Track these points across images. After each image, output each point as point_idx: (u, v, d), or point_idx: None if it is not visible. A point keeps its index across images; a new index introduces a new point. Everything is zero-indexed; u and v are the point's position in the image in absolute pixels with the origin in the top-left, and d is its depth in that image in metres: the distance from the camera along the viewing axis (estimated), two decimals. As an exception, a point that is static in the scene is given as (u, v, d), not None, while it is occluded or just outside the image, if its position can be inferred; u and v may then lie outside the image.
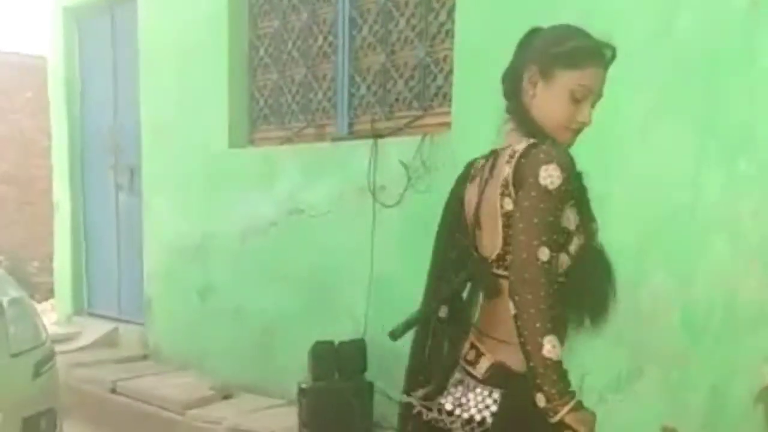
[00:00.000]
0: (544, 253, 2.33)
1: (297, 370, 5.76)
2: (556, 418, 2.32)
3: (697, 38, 4.20)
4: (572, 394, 2.32)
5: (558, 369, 2.30)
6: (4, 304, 4.98)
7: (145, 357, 8.03)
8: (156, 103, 7.84)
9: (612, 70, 2.51)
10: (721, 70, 4.11)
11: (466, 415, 2.55)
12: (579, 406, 2.31)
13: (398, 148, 5.64)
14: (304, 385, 5.63)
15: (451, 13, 5.51)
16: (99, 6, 8.73)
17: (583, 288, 2.50)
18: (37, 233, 11.74)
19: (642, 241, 4.44)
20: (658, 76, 4.28)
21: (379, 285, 5.74)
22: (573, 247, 2.46)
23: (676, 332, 4.31)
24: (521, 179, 2.41)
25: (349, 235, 5.98)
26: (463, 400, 2.58)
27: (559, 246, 2.42)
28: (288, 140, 6.75)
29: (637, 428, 4.40)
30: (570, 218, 2.45)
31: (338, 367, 5.68)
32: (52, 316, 9.51)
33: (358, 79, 6.21)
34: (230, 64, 7.03)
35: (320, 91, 6.53)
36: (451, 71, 5.49)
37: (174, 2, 7.61)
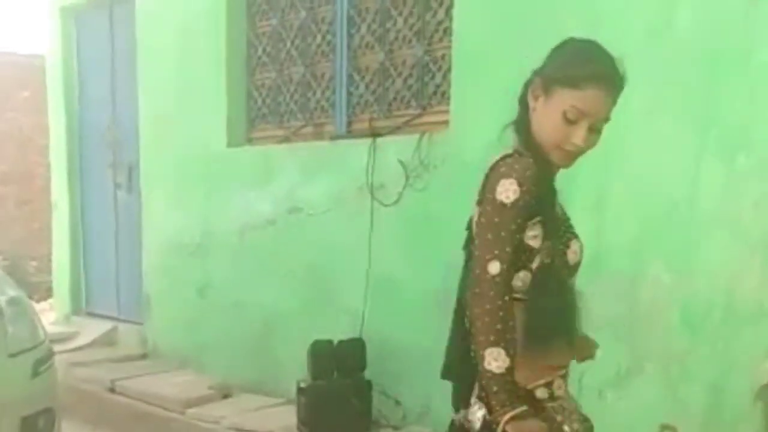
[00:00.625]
0: (495, 267, 2.37)
1: (296, 369, 5.76)
2: (498, 430, 2.35)
3: (697, 35, 4.21)
4: (513, 406, 2.34)
5: (498, 381, 2.34)
6: (2, 303, 4.97)
7: (143, 356, 8.02)
8: (154, 102, 7.84)
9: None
10: (721, 67, 4.12)
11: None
12: (521, 416, 2.33)
13: (396, 147, 5.64)
14: (302, 384, 5.63)
15: (449, 11, 5.50)
16: (97, 4, 8.71)
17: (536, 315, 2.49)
18: (35, 232, 11.75)
19: (642, 237, 4.46)
20: (658, 72, 4.27)
21: (377, 283, 5.73)
22: (535, 265, 2.46)
23: (675, 328, 4.31)
24: (484, 192, 2.45)
25: (348, 233, 5.98)
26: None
27: (521, 263, 2.44)
28: (286, 139, 6.75)
29: (636, 425, 4.41)
30: (535, 235, 2.45)
31: (337, 366, 5.68)
32: (50, 315, 9.50)
33: (356, 77, 6.20)
34: (228, 63, 7.02)
35: (318, 90, 6.53)
36: (449, 70, 5.49)
37: (172, 0, 7.60)
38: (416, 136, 5.54)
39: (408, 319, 5.51)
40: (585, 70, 2.41)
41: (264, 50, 6.95)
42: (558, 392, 2.53)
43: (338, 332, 5.74)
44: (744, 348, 4.08)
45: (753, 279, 4.03)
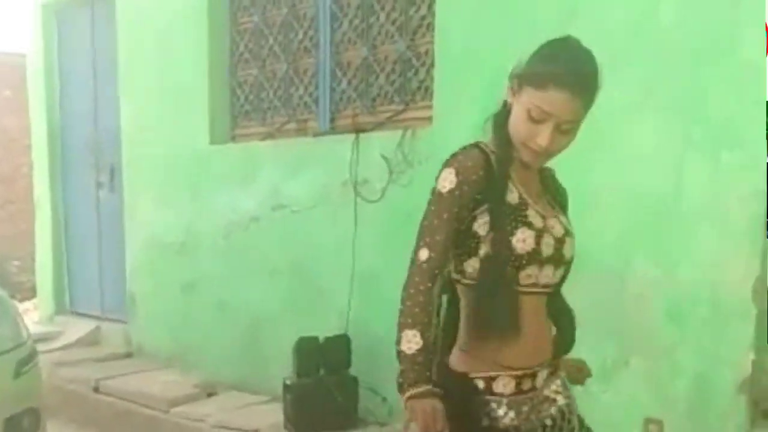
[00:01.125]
0: (423, 254, 2.47)
1: (282, 366, 5.75)
2: (403, 406, 2.45)
3: (681, 31, 4.21)
4: (417, 385, 2.42)
5: (408, 361, 2.44)
6: (-16, 303, 4.96)
7: (128, 355, 7.99)
8: (136, 100, 7.81)
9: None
10: (705, 63, 4.12)
11: None
12: (420, 395, 2.40)
13: (380, 143, 5.62)
14: (288, 381, 5.62)
15: (431, 6, 5.50)
16: (78, 2, 8.68)
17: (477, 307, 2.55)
18: (19, 232, 11.69)
19: (627, 232, 4.46)
20: (643, 68, 4.28)
21: (362, 280, 5.72)
22: (482, 252, 2.49)
23: (661, 322, 4.32)
24: None
25: (333, 229, 5.97)
26: None
27: (469, 249, 2.50)
28: (269, 136, 6.73)
29: (621, 419, 4.41)
30: (484, 223, 2.47)
31: (323, 363, 5.68)
32: (34, 315, 9.48)
33: (339, 73, 6.19)
34: (210, 60, 7.00)
35: (301, 86, 6.51)
36: (432, 65, 5.49)
37: (153, -2, 7.58)
38: (400, 131, 5.54)
39: (393, 315, 5.48)
40: (547, 70, 2.40)
41: (246, 47, 6.93)
42: (500, 389, 2.54)
43: (324, 329, 5.73)
44: (729, 341, 4.09)
45: (738, 273, 4.04)
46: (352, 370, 5.68)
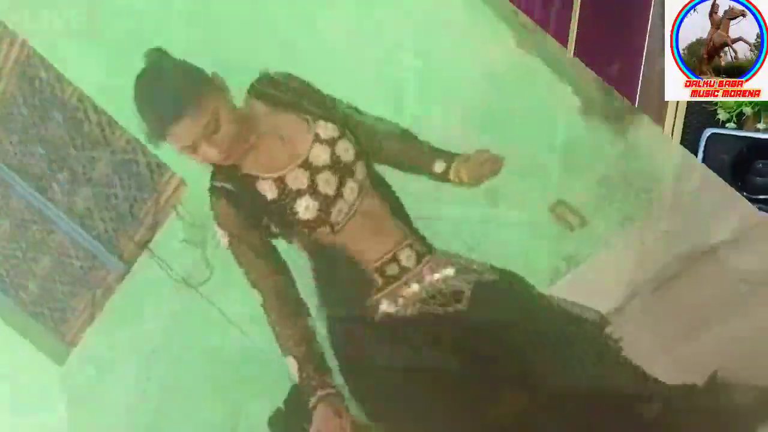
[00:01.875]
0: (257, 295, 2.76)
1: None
2: None
3: None
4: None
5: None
6: None
7: None
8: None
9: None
10: None
11: None
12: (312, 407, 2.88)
13: (169, 229, 5.61)
14: (292, 454, 5.59)
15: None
16: None
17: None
18: None
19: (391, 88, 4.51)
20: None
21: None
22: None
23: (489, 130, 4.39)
24: None
25: (200, 314, 5.89)
26: None
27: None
28: (90, 316, 6.59)
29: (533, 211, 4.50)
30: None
31: (302, 418, 5.65)
32: None
33: (88, 222, 6.10)
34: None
35: (62, 274, 6.40)
36: (128, 142, 5.46)
37: None
38: (171, 210, 5.52)
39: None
40: (151, 127, 2.41)
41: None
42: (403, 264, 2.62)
43: (282, 389, 5.70)
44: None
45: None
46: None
